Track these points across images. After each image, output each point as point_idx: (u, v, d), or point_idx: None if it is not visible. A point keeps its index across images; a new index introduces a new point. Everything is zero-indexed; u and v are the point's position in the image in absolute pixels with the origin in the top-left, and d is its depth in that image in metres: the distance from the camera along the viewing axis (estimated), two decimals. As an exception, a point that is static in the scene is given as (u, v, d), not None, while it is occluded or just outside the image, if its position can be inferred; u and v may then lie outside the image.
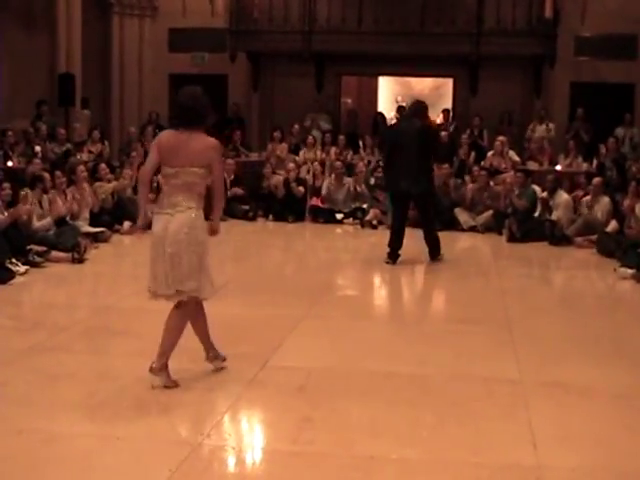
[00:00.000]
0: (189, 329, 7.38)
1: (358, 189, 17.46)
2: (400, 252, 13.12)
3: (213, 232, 7.74)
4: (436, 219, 15.61)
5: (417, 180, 12.69)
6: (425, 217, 13.37)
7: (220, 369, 7.50)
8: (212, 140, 7.24)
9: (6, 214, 12.08)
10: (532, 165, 18.23)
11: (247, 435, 6.39)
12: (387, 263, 13.00)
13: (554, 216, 15.41)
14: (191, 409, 6.72)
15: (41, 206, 13.36)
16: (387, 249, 13.10)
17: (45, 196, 13.53)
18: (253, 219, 17.31)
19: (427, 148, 12.90)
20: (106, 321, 9.48)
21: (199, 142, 7.12)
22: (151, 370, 7.11)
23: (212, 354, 7.53)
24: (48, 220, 13.18)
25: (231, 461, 5.77)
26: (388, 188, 13.72)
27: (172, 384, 7.06)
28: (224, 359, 7.56)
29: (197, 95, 7.43)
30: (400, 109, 21.43)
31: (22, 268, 11.56)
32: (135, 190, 16.34)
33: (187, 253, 7.19)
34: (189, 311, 7.28)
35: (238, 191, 17.86)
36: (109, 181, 16.12)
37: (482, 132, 19.86)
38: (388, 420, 6.41)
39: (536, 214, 15.71)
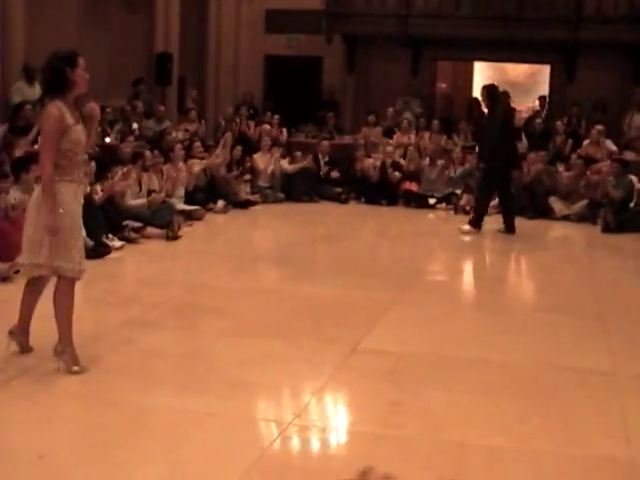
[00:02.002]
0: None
1: (452, 174, 17.39)
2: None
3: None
4: (530, 205, 15.66)
5: None
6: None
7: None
8: (47, 109, 6.72)
9: (100, 191, 12.23)
10: (629, 155, 17.95)
11: (336, 416, 6.43)
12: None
13: (650, 207, 15.22)
14: (282, 389, 6.77)
15: (140, 184, 13.51)
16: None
17: (145, 174, 13.69)
18: (345, 202, 17.37)
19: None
20: (198, 298, 9.57)
21: (44, 112, 6.81)
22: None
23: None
24: (143, 201, 13.32)
25: (320, 442, 5.80)
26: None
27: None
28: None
29: (50, 59, 6.86)
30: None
31: (118, 243, 11.75)
32: (229, 169, 16.52)
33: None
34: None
35: (331, 172, 17.95)
36: (202, 159, 16.28)
37: (580, 121, 19.62)
38: (477, 407, 6.39)
39: (632, 205, 15.49)
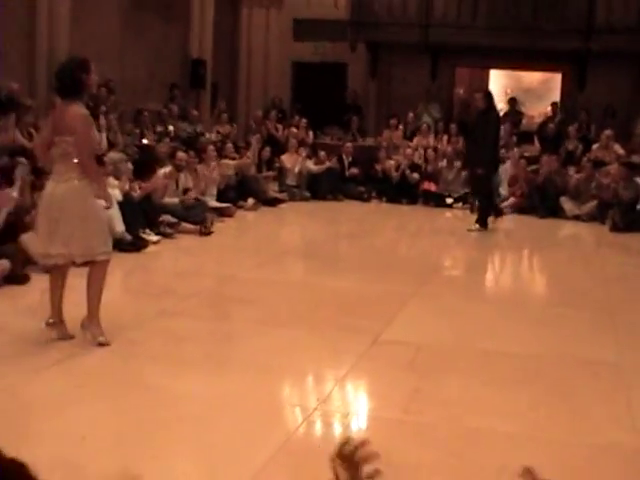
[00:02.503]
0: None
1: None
2: None
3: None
4: (542, 205, 15.63)
5: None
6: None
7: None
8: (76, 109, 7.01)
9: (138, 189, 12.27)
10: (636, 158, 17.85)
11: (359, 403, 6.43)
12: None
13: (656, 208, 15.14)
14: (307, 376, 6.78)
15: (177, 183, 13.56)
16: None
17: (181, 175, 13.73)
18: (367, 200, 17.39)
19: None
20: (229, 290, 9.60)
21: (70, 112, 7.00)
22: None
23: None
24: (176, 201, 13.33)
25: (343, 427, 5.80)
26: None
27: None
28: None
29: (67, 66, 7.22)
30: (511, 101, 21.32)
31: (154, 238, 11.81)
32: (259, 169, 16.58)
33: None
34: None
35: (354, 171, 17.98)
36: (233, 159, 16.34)
37: (590, 126, 19.54)
38: (491, 395, 6.37)
39: (639, 206, 15.41)
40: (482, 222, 14.34)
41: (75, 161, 6.96)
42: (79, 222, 6.98)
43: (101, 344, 7.06)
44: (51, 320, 7.25)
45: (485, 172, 14.18)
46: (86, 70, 7.06)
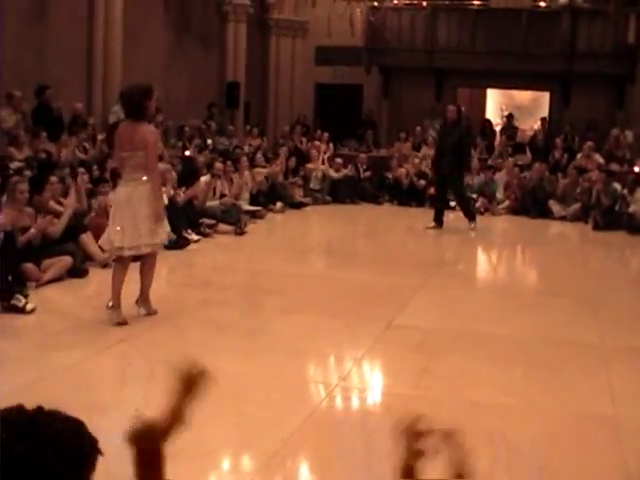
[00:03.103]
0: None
1: (470, 181, 17.30)
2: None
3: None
4: (533, 207, 15.57)
5: None
6: None
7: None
8: (147, 127, 7.39)
9: (183, 194, 12.33)
10: (614, 166, 17.78)
11: (375, 380, 6.45)
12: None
13: (631, 209, 15.04)
14: (329, 357, 6.79)
15: (214, 190, 13.60)
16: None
17: (219, 182, 13.76)
18: (380, 203, 17.37)
19: None
20: (261, 282, 9.61)
21: (140, 130, 7.26)
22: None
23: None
24: (214, 204, 13.36)
25: (361, 401, 5.83)
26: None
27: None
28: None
29: (133, 92, 7.52)
30: (508, 117, 21.26)
31: (195, 237, 11.82)
32: (286, 176, 16.61)
33: None
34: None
35: (367, 174, 17.96)
36: (264, 167, 16.39)
37: (574, 138, 19.48)
38: (490, 373, 6.38)
39: (617, 207, 15.35)
40: (471, 217, 14.24)
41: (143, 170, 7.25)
42: (147, 220, 7.25)
43: (151, 314, 7.56)
44: (111, 304, 7.41)
45: (455, 175, 14.10)
46: (149, 96, 7.39)
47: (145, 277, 7.64)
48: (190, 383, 2.21)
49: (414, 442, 2.13)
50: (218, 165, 14.01)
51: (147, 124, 7.44)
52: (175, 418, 2.16)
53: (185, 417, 2.18)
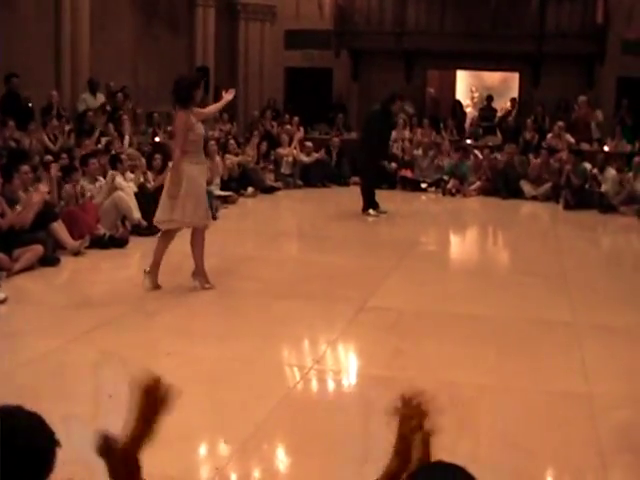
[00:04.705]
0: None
1: (440, 163, 17.35)
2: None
3: None
4: (504, 188, 15.60)
5: None
6: None
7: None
8: (178, 114, 7.91)
9: (152, 181, 12.27)
10: (584, 146, 17.87)
11: (349, 362, 6.46)
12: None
13: (602, 188, 15.13)
14: (303, 340, 6.80)
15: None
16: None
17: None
18: (347, 185, 17.33)
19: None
20: (234, 267, 9.56)
21: (176, 117, 8.00)
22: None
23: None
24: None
25: (336, 383, 5.84)
26: None
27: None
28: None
29: (185, 82, 8.24)
30: (488, 98, 21.32)
31: (166, 224, 11.76)
32: (257, 161, 16.56)
33: None
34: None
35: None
36: (236, 154, 16.33)
37: (544, 118, 19.53)
38: (464, 353, 6.40)
39: (587, 186, 15.44)
40: (371, 205, 13.70)
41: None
42: (197, 196, 7.85)
43: (206, 289, 8.04)
44: (148, 269, 8.08)
45: (381, 162, 14.18)
46: (196, 86, 8.08)
47: (195, 252, 8.09)
48: (154, 400, 2.18)
49: (412, 417, 2.12)
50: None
51: (182, 111, 7.86)
52: (142, 432, 2.14)
53: (152, 431, 2.15)
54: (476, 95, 23.21)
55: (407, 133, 19.09)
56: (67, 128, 14.24)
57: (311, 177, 17.47)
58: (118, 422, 4.82)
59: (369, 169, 13.84)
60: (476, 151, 17.58)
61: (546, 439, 4.85)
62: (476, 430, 4.91)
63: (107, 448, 2.09)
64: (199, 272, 8.14)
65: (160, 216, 8.02)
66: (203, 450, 4.70)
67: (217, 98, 21.13)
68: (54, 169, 10.50)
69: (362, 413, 4.91)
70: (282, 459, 4.64)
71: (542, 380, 5.85)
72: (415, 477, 1.87)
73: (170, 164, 13.03)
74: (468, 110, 22.50)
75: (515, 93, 21.95)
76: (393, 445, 2.14)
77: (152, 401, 2.15)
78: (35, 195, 9.39)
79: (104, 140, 14.48)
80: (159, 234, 8.35)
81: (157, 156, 12.89)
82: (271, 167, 17.20)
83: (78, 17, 15.75)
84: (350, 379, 5.97)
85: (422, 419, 2.10)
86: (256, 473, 4.37)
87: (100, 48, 16.28)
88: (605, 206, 14.70)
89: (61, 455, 2.09)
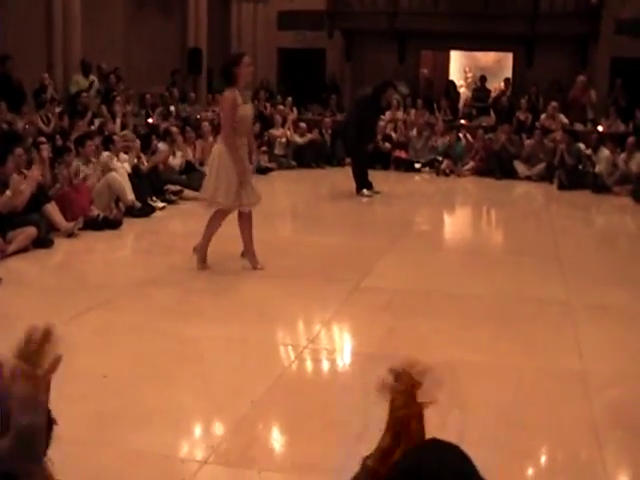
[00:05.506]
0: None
1: (434, 143, 17.32)
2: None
3: None
4: (498, 168, 15.61)
5: None
6: None
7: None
8: (225, 94, 7.90)
9: (146, 162, 12.25)
10: (578, 126, 17.86)
11: (342, 341, 6.47)
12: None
13: (596, 169, 15.14)
14: (297, 320, 6.81)
15: (174, 154, 13.53)
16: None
17: (181, 148, 13.70)
18: (342, 166, 17.28)
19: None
20: (228, 247, 9.51)
21: (222, 97, 8.12)
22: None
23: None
24: (178, 162, 13.39)
25: (330, 361, 5.85)
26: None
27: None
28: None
29: (225, 61, 8.40)
30: (482, 78, 21.21)
31: (160, 204, 11.77)
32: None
33: None
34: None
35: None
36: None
37: (538, 98, 19.50)
38: (458, 332, 6.42)
39: (581, 167, 15.44)
40: (364, 185, 13.72)
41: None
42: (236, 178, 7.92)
43: (257, 269, 8.15)
44: (197, 246, 8.25)
45: (368, 146, 14.14)
46: (236, 63, 7.88)
47: (245, 233, 8.23)
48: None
49: (403, 392, 2.09)
50: (174, 130, 13.96)
51: (229, 91, 7.82)
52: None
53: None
54: (470, 75, 23.15)
55: (401, 114, 19.06)
56: (57, 110, 14.19)
57: (305, 158, 17.44)
58: (111, 403, 4.83)
59: (358, 151, 13.81)
60: (461, 134, 17.51)
61: (540, 417, 4.87)
62: (470, 408, 4.92)
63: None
64: (248, 252, 8.29)
65: (226, 197, 8.03)
66: (198, 429, 4.70)
67: (211, 81, 21.18)
68: (45, 151, 10.46)
69: (356, 391, 4.91)
70: (277, 438, 4.65)
71: (536, 358, 5.87)
72: (409, 455, 1.86)
73: (160, 146, 13.21)
74: (462, 90, 22.42)
75: (509, 73, 21.93)
76: (386, 421, 2.13)
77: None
78: (27, 180, 9.35)
79: (97, 122, 14.46)
80: (215, 213, 8.32)
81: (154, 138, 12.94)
82: (264, 148, 17.17)
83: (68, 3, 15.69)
84: (344, 358, 5.98)
85: (414, 393, 2.07)
86: (252, 452, 4.37)
87: (92, 30, 16.21)
88: (599, 186, 14.71)
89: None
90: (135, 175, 11.54)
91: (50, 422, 2.01)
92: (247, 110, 8.01)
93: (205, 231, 8.24)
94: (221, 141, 7.99)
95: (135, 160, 12.01)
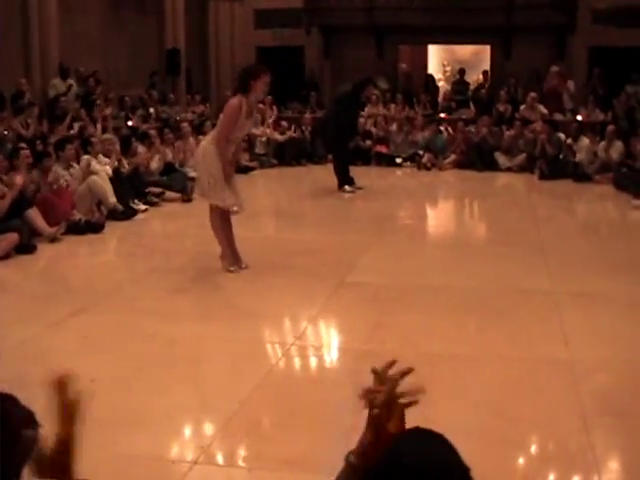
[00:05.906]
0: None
1: (414, 138, 17.33)
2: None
3: None
4: (479, 160, 15.64)
5: None
6: None
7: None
8: (232, 99, 7.87)
9: (127, 164, 12.21)
10: (557, 116, 17.91)
11: (329, 337, 6.48)
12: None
13: (577, 158, 15.19)
14: (283, 317, 6.80)
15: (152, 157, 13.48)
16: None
17: (160, 148, 13.64)
18: (323, 163, 17.25)
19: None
20: (210, 247, 9.48)
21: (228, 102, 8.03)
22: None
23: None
24: (157, 165, 13.32)
25: (317, 358, 5.85)
26: None
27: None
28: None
29: (244, 71, 8.18)
30: (460, 71, 21.23)
31: (142, 207, 11.72)
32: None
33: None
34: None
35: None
36: (211, 136, 16.27)
37: (517, 89, 19.54)
38: (443, 324, 6.43)
39: (561, 156, 15.49)
40: (346, 181, 13.71)
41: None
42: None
43: (242, 268, 8.15)
44: (221, 254, 8.22)
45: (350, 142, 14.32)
46: (255, 77, 7.75)
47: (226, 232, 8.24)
48: (66, 402, 2.17)
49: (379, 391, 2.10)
50: (151, 132, 13.93)
51: (238, 97, 7.75)
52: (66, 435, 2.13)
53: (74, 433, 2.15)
54: (448, 69, 23.20)
55: (380, 109, 19.07)
56: (35, 114, 14.10)
57: (286, 156, 17.42)
58: (100, 407, 4.81)
59: (339, 147, 13.82)
60: (442, 127, 17.53)
61: (528, 405, 4.88)
62: (458, 399, 4.93)
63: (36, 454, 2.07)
64: (225, 255, 8.21)
65: (230, 199, 8.11)
66: (188, 429, 4.70)
67: (190, 81, 21.14)
68: (23, 156, 10.41)
69: (344, 387, 4.91)
70: (266, 436, 4.64)
71: (523, 348, 5.89)
72: (392, 445, 1.86)
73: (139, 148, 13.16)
74: (441, 84, 22.46)
75: (487, 66, 21.98)
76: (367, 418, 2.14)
77: (65, 403, 2.13)
78: (10, 188, 9.32)
79: (77, 126, 14.40)
80: (211, 213, 8.35)
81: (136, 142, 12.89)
82: (245, 147, 17.14)
83: (45, 1, 15.60)
84: (331, 354, 5.99)
85: (393, 392, 2.08)
86: (241, 451, 4.37)
87: (68, 33, 16.15)
88: (579, 175, 14.76)
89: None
90: (116, 178, 11.50)
91: (35, 425, 2.00)
92: (245, 125, 7.95)
93: (216, 236, 8.26)
94: (212, 141, 7.89)
95: (116, 163, 11.96)
